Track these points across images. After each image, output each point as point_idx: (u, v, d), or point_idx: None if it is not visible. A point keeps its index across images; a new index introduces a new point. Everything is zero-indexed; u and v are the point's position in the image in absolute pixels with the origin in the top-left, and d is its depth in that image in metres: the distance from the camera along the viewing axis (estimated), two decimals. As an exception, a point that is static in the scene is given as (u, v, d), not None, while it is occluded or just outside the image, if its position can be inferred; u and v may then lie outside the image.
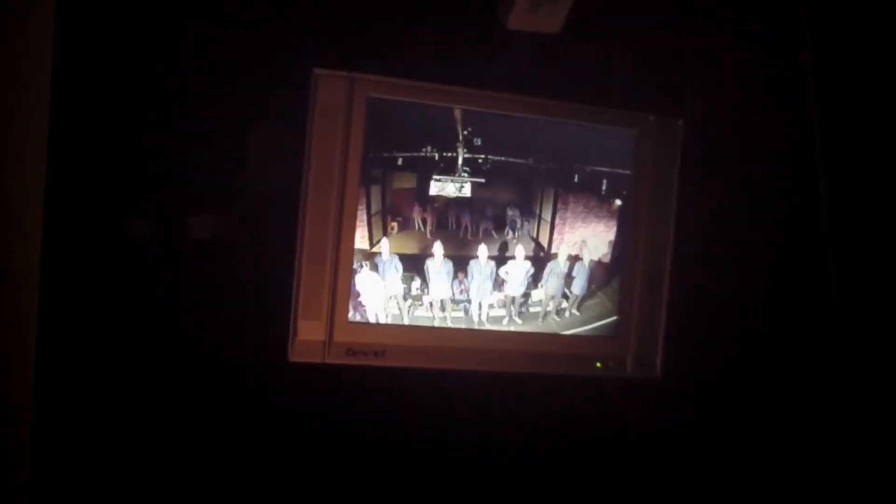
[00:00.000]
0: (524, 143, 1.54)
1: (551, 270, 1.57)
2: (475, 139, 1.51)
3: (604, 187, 1.59)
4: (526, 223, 1.55)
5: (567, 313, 1.59)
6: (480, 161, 1.52)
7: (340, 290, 1.46)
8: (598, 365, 1.59)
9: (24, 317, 1.23)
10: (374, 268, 1.48)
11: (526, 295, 1.56)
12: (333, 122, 1.44)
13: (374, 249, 1.48)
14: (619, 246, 1.60)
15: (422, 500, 1.58)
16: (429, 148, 1.50)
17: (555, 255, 1.57)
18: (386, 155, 1.48)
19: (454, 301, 1.53)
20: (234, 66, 1.47)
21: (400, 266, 1.49)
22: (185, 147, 1.46)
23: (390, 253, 1.49)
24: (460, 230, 1.52)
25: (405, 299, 1.51)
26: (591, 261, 1.59)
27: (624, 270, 1.61)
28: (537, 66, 1.59)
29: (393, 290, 1.49)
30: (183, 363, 1.45)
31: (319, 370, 1.46)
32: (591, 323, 1.60)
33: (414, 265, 1.51)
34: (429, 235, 1.51)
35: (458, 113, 1.51)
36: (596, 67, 1.63)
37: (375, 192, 1.48)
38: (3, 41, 1.20)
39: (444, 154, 1.50)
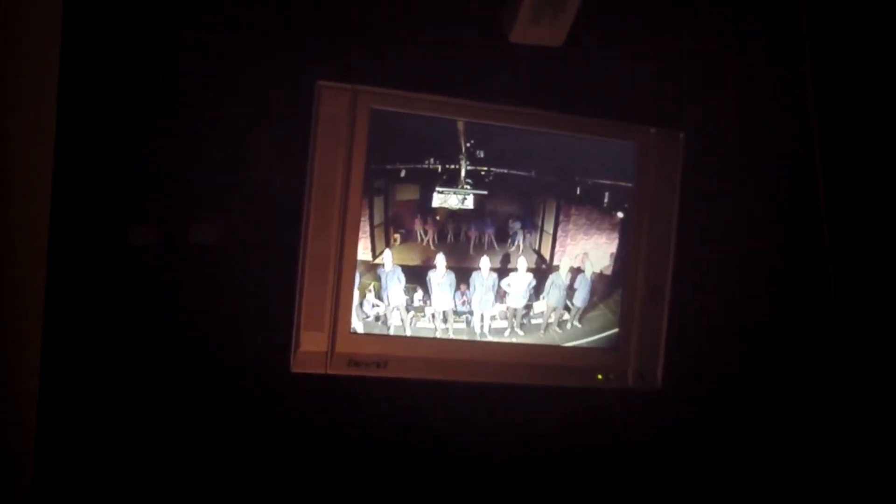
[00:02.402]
0: (527, 156, 1.54)
1: (553, 282, 1.58)
2: (478, 151, 1.52)
3: (605, 200, 1.60)
4: (528, 235, 1.56)
5: (569, 325, 1.59)
6: (483, 173, 1.52)
7: (343, 301, 1.46)
8: (600, 377, 1.60)
9: (29, 324, 1.23)
10: (377, 279, 1.48)
11: (528, 307, 1.57)
12: (336, 133, 1.45)
13: (377, 261, 1.48)
14: (620, 258, 1.61)
15: (423, 511, 1.58)
16: (431, 160, 1.50)
17: (557, 268, 1.58)
18: (389, 167, 1.48)
19: (456, 313, 1.53)
20: (239, 77, 1.48)
21: (403, 277, 1.50)
22: (188, 157, 1.46)
23: (393, 264, 1.49)
24: (463, 242, 1.53)
25: (408, 311, 1.51)
26: (593, 273, 1.60)
27: (625, 283, 1.61)
28: (540, 78, 1.60)
29: (395, 302, 1.49)
30: (185, 373, 1.45)
31: (322, 381, 1.46)
32: (592, 335, 1.60)
33: (416, 277, 1.51)
34: (431, 247, 1.51)
35: (460, 125, 1.51)
36: (597, 80, 1.64)
37: (378, 203, 1.48)
38: (9, 50, 1.20)
39: (447, 166, 1.51)
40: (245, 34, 1.47)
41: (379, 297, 1.49)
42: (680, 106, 1.67)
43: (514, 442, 1.60)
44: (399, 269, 1.50)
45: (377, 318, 1.49)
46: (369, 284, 1.48)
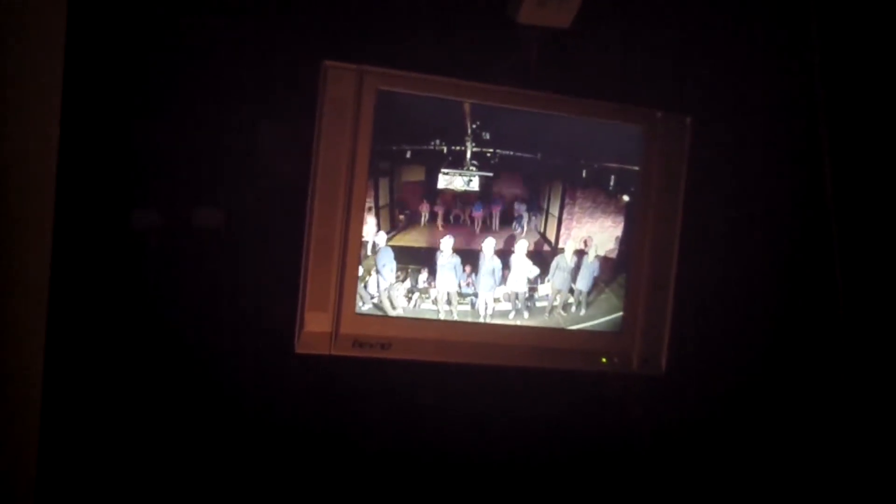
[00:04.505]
0: (532, 138, 1.54)
1: (558, 265, 1.57)
2: (484, 133, 1.51)
3: (611, 183, 1.59)
4: (533, 218, 1.55)
5: (573, 308, 1.59)
6: (489, 155, 1.52)
7: (348, 282, 1.46)
8: (604, 360, 1.60)
9: (34, 306, 1.24)
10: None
11: (532, 289, 1.56)
12: (342, 114, 1.44)
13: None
14: (625, 242, 1.61)
15: (426, 493, 1.58)
16: (437, 141, 1.50)
17: (561, 250, 1.58)
18: (394, 148, 1.48)
19: (461, 294, 1.53)
20: (244, 58, 1.47)
21: (406, 258, 1.49)
22: (192, 140, 1.46)
23: (386, 244, 1.49)
24: (468, 224, 1.52)
25: (412, 292, 1.51)
26: (598, 256, 1.59)
27: (630, 266, 1.61)
28: (546, 60, 1.59)
29: (389, 281, 1.49)
30: (190, 355, 1.46)
31: (326, 362, 1.47)
32: (596, 318, 1.60)
33: (421, 258, 1.51)
34: (438, 228, 1.51)
35: (466, 107, 1.51)
36: (604, 63, 1.64)
37: (384, 184, 1.48)
38: (15, 33, 1.20)
39: (453, 147, 1.50)
40: (250, 16, 1.47)
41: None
42: (687, 90, 1.66)
43: (517, 424, 1.61)
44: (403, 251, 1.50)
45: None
46: (374, 266, 1.48)
